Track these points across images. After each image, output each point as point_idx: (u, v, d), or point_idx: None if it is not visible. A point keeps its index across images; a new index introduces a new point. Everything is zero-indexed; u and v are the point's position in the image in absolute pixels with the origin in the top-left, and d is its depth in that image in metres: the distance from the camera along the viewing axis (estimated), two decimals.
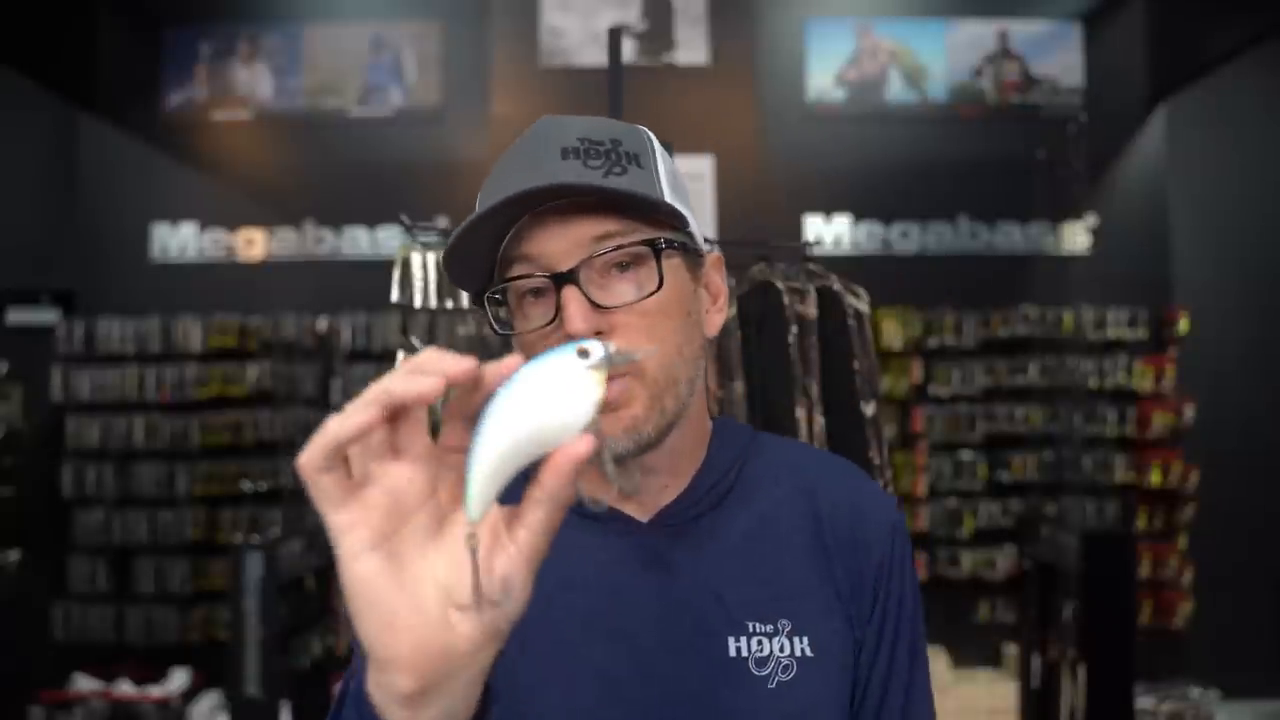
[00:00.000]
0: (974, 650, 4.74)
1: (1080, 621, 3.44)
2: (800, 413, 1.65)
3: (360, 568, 0.44)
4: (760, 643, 0.74)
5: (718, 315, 0.80)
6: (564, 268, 0.69)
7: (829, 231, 5.17)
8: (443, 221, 4.51)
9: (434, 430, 0.47)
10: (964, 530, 4.91)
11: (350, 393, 4.90)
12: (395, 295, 1.74)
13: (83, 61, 5.01)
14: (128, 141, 5.20)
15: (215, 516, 4.89)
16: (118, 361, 4.92)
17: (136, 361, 4.92)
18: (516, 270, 0.71)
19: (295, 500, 4.53)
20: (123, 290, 5.10)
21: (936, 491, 4.93)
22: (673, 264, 0.73)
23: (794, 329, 1.68)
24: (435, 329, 1.82)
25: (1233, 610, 4.89)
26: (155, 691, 4.56)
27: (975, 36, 5.41)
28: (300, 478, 0.44)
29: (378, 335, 4.90)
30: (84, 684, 4.60)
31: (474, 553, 0.44)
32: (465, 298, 1.76)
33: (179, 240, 5.22)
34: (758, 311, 1.70)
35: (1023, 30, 5.41)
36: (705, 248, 0.79)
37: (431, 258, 1.76)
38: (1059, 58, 5.41)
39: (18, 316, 5.08)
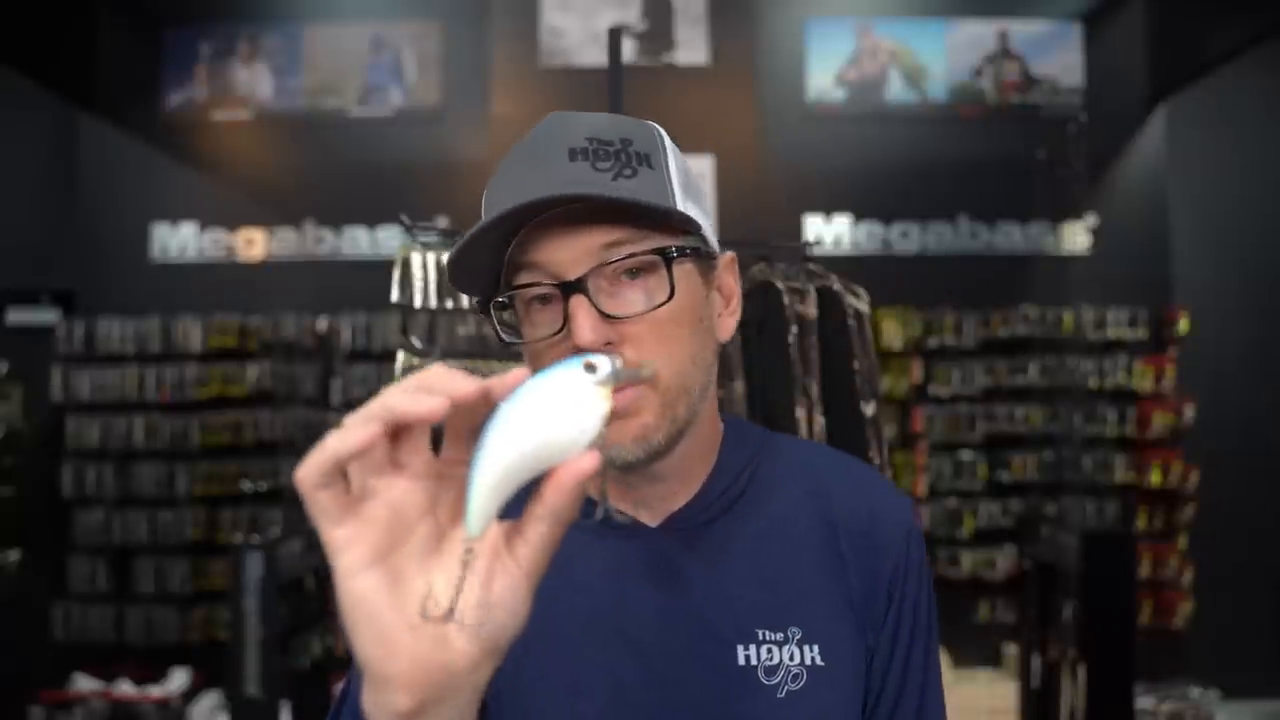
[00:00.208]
0: (974, 650, 4.74)
1: (1080, 621, 3.44)
2: (800, 413, 1.65)
3: (358, 585, 0.43)
4: (770, 651, 0.73)
5: (730, 319, 0.79)
6: (572, 276, 0.67)
7: (829, 231, 5.17)
8: (443, 221, 4.51)
9: (435, 440, 0.46)
10: (964, 530, 4.92)
11: (350, 393, 4.93)
12: (395, 295, 1.74)
13: (83, 61, 5.01)
14: (128, 141, 5.20)
15: (215, 516, 4.89)
16: (118, 361, 4.92)
17: (136, 361, 4.92)
18: (523, 278, 0.69)
19: (295, 500, 4.51)
20: (123, 290, 5.10)
21: (936, 491, 4.94)
22: (684, 270, 0.71)
23: (794, 329, 1.68)
24: (435, 329, 1.81)
25: (1233, 610, 4.89)
26: (155, 691, 4.56)
27: (975, 36, 5.41)
28: (298, 491, 0.43)
29: (378, 335, 4.90)
30: (84, 684, 4.60)
31: (465, 566, 0.44)
32: (465, 298, 1.76)
33: (179, 240, 5.22)
34: (758, 311, 1.70)
35: (1023, 30, 5.41)
36: (717, 249, 0.77)
37: (431, 258, 1.76)
38: (1059, 58, 5.41)
39: (18, 316, 5.08)
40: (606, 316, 0.67)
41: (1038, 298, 5.07)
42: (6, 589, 4.65)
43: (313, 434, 4.74)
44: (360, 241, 5.21)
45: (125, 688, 4.58)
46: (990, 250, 5.24)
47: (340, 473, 0.43)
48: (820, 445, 0.92)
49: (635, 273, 0.69)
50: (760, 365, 1.68)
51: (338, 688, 0.71)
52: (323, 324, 4.92)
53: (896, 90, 5.38)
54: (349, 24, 5.37)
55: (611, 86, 1.88)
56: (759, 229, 4.13)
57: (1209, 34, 4.73)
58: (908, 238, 5.24)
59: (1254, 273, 5.15)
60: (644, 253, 0.68)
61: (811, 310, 1.72)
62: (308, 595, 3.56)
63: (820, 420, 1.68)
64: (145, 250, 5.20)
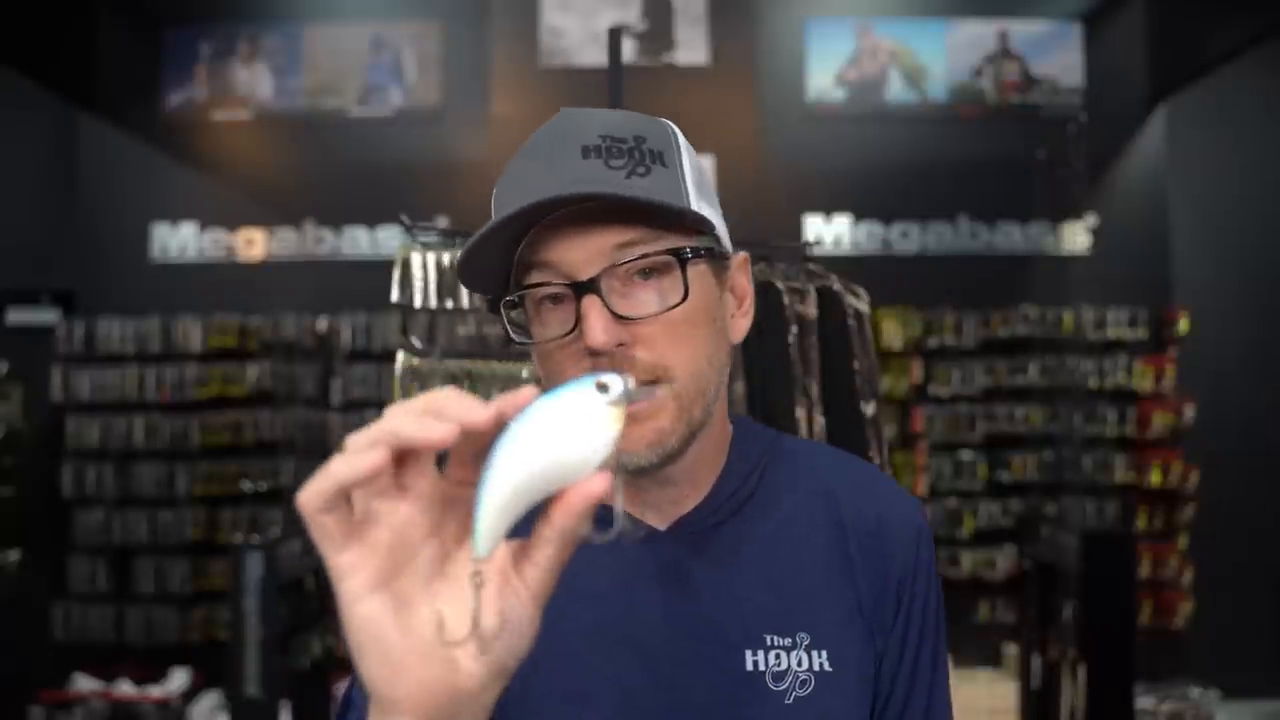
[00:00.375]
0: (974, 650, 4.74)
1: (1080, 621, 3.45)
2: (800, 413, 1.65)
3: (363, 610, 0.43)
4: (778, 656, 0.72)
5: (743, 320, 0.78)
6: (584, 276, 0.66)
7: (829, 231, 5.17)
8: (443, 221, 4.52)
9: (439, 457, 0.45)
10: (964, 530, 4.92)
11: (350, 393, 4.93)
12: (395, 295, 1.74)
13: (83, 61, 5.01)
14: (128, 141, 5.20)
15: (215, 516, 4.89)
16: (118, 361, 4.92)
17: (136, 361, 4.92)
18: (535, 277, 0.68)
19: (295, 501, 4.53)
20: (123, 290, 5.10)
21: (936, 491, 4.94)
22: (699, 271, 0.70)
23: (794, 329, 1.68)
24: (435, 329, 1.81)
25: (1233, 610, 4.89)
26: (155, 691, 4.56)
27: (975, 36, 5.41)
28: (300, 515, 0.42)
29: (378, 335, 4.90)
30: (84, 684, 4.60)
31: (477, 589, 0.43)
32: (465, 298, 1.76)
33: (179, 240, 5.22)
34: (758, 312, 1.69)
35: (1023, 30, 5.41)
36: (731, 250, 0.76)
37: (431, 258, 1.76)
38: (1059, 58, 5.41)
39: (18, 316, 5.08)
40: (619, 317, 0.66)
41: (1038, 298, 5.07)
42: (6, 589, 4.65)
43: (313, 434, 4.74)
44: (360, 241, 5.21)
45: (125, 688, 4.58)
46: (990, 250, 5.24)
47: (344, 497, 0.42)
48: (826, 446, 0.91)
49: (648, 273, 0.68)
50: (760, 365, 1.68)
51: (338, 688, 0.70)
52: (323, 324, 4.92)
53: (896, 90, 5.38)
54: (349, 24, 5.37)
55: (611, 86, 1.88)
56: (759, 229, 4.11)
57: (1209, 34, 4.73)
58: (908, 238, 5.24)
59: (1254, 273, 5.15)
60: (658, 253, 0.67)
61: (811, 310, 1.72)
62: (308, 595, 3.56)
63: (820, 420, 1.68)
64: (145, 250, 5.20)
